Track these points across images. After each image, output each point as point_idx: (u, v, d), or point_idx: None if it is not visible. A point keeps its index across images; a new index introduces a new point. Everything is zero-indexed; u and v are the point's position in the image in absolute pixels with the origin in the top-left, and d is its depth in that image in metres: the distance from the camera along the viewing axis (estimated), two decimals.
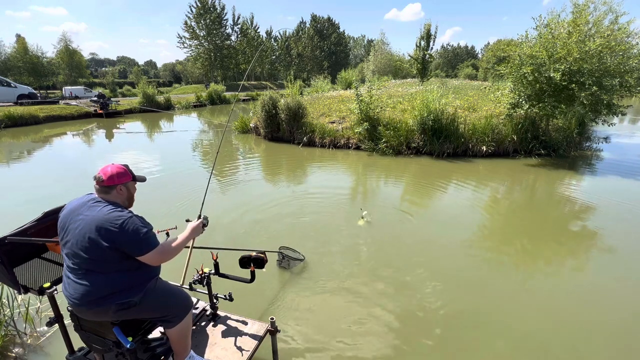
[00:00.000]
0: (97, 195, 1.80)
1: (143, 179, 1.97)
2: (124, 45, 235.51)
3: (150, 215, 2.03)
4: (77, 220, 1.70)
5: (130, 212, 1.78)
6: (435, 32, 19.40)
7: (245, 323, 2.43)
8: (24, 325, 3.02)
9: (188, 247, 2.40)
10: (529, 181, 7.58)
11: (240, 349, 2.19)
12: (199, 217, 2.20)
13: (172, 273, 2.88)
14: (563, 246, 4.60)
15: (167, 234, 2.58)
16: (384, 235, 4.77)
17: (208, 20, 47.74)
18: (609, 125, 9.50)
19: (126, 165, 1.87)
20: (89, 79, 44.46)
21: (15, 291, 1.97)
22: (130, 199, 1.89)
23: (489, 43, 69.39)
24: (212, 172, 2.80)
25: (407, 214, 5.54)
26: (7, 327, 2.91)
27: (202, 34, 48.34)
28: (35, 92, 24.18)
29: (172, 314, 1.88)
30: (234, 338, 2.29)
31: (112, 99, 25.10)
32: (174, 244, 1.86)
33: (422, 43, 19.55)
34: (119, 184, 1.80)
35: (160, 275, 1.96)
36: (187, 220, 2.16)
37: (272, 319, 2.31)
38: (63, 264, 2.16)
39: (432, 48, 19.76)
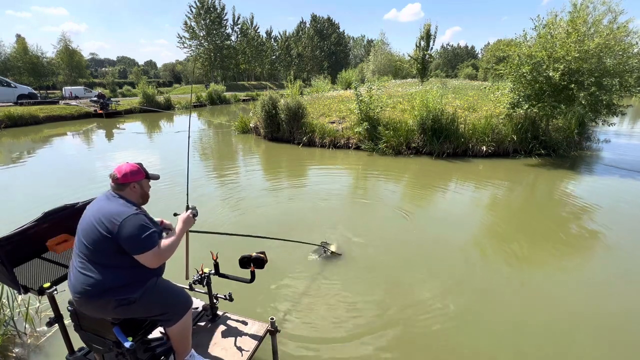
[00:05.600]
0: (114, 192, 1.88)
1: (156, 177, 2.05)
2: (124, 45, 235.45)
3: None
4: (93, 211, 1.80)
5: (139, 210, 1.83)
6: (435, 32, 19.42)
7: (245, 323, 2.43)
8: (24, 325, 3.02)
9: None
10: (529, 181, 7.58)
11: (240, 349, 2.19)
12: (187, 208, 2.16)
13: (172, 269, 2.87)
14: (562, 246, 4.59)
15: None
16: (384, 235, 4.77)
17: (208, 21, 47.77)
18: (609, 125, 9.50)
19: (140, 164, 1.95)
20: (89, 79, 44.35)
21: (15, 291, 1.96)
22: (144, 196, 1.96)
23: (488, 43, 69.52)
24: (188, 162, 2.61)
25: (407, 213, 5.53)
26: (7, 327, 2.91)
27: (202, 34, 48.35)
28: (35, 92, 24.18)
29: (172, 312, 1.89)
30: (234, 338, 2.29)
31: (112, 99, 25.05)
32: (169, 243, 1.84)
33: (422, 43, 19.56)
34: (132, 182, 1.87)
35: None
36: (175, 214, 2.14)
37: (272, 319, 2.31)
38: (63, 264, 2.17)
39: (432, 48, 19.78)
